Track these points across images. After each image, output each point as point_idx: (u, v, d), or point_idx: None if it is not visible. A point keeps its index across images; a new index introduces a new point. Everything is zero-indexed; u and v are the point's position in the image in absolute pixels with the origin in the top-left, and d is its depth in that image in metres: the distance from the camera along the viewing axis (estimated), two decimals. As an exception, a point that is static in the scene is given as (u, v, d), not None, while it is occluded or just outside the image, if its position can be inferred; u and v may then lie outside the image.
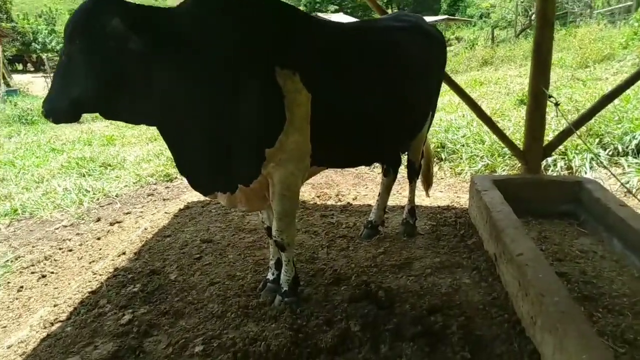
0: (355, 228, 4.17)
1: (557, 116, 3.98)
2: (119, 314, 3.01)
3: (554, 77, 12.30)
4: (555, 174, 5.33)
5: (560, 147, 5.61)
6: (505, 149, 5.63)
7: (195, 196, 5.23)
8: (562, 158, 5.48)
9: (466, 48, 23.33)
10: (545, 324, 2.38)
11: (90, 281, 3.49)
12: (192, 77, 2.37)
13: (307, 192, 5.27)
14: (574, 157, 5.40)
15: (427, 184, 4.17)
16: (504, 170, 5.65)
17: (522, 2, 28.70)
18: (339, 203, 4.89)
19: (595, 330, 2.60)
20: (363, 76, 2.88)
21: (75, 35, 2.23)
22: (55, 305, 3.21)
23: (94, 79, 2.24)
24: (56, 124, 2.33)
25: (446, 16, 39.54)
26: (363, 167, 6.20)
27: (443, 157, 6.51)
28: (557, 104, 3.72)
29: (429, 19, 36.06)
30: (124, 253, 3.91)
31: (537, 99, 4.09)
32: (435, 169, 6.37)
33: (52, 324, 2.97)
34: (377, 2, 4.23)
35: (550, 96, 3.81)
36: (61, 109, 2.25)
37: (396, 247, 3.78)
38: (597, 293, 2.96)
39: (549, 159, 5.41)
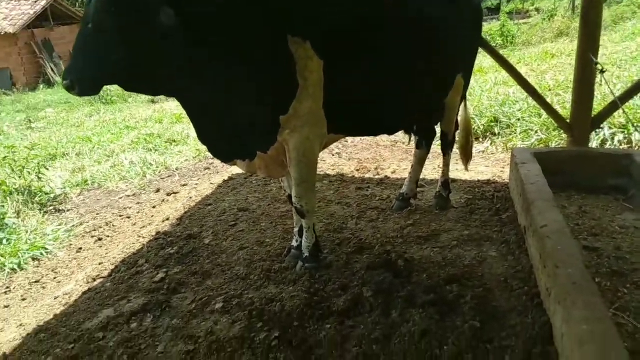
0: (388, 200, 4.18)
1: (601, 85, 3.71)
2: (153, 272, 3.26)
3: (632, 46, 11.38)
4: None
5: (621, 119, 5.25)
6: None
7: (239, 169, 5.46)
8: (622, 131, 5.10)
9: (543, 19, 21.88)
10: (557, 295, 2.31)
11: (134, 243, 3.80)
12: (211, 48, 2.44)
13: (346, 165, 5.32)
14: (635, 130, 5.01)
15: (466, 158, 4.08)
16: (557, 145, 5.36)
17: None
18: (376, 176, 4.89)
19: (617, 305, 2.51)
20: (377, 39, 2.86)
21: (111, 1, 2.16)
22: (99, 263, 3.54)
23: (127, 49, 2.21)
24: (80, 96, 2.36)
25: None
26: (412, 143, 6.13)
27: (496, 131, 6.27)
28: (602, 71, 3.49)
29: (505, -11, 34.13)
30: (167, 219, 4.20)
31: (584, 68, 3.84)
32: (487, 143, 6.17)
33: (94, 279, 3.28)
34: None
35: (597, 63, 3.57)
36: (88, 80, 2.20)
37: (426, 220, 3.76)
38: (629, 269, 2.80)
39: (606, 132, 5.07)
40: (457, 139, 3.99)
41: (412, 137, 3.95)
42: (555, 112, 4.17)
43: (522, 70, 8.82)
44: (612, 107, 3.91)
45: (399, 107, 3.17)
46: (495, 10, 31.88)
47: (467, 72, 3.66)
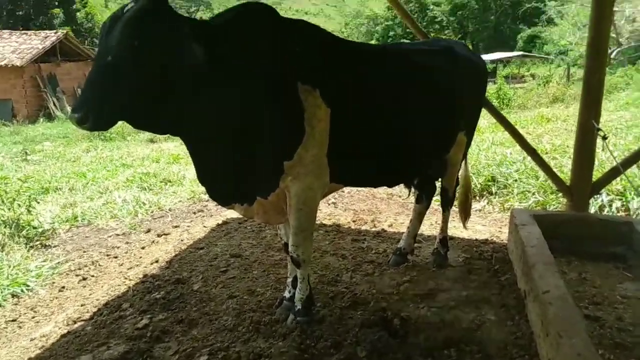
0: (384, 254, 4.09)
1: (602, 150, 3.74)
2: (137, 317, 3.12)
3: (627, 116, 11.64)
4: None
5: (619, 187, 5.26)
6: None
7: (234, 213, 5.38)
8: (620, 199, 5.10)
9: (539, 85, 22.53)
10: (561, 366, 2.20)
11: (119, 285, 3.66)
12: (222, 90, 2.44)
13: (342, 216, 5.26)
14: (632, 198, 5.01)
15: (465, 215, 4.03)
16: (555, 209, 5.33)
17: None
18: (373, 229, 4.82)
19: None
20: (383, 94, 2.90)
21: (135, 36, 2.11)
22: (82, 305, 3.39)
23: (147, 85, 2.17)
24: (92, 130, 2.23)
25: (521, 52, 38.42)
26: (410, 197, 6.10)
27: (493, 190, 6.26)
28: (604, 138, 3.50)
29: (502, 54, 35.32)
30: (156, 261, 4.08)
31: (585, 133, 3.87)
32: (484, 202, 6.14)
33: (75, 322, 3.13)
34: (418, 26, 4.19)
35: (599, 129, 3.60)
36: (103, 114, 2.11)
37: (423, 277, 3.66)
38: (632, 342, 2.70)
39: (604, 199, 5.06)
40: (456, 196, 3.96)
41: (412, 191, 3.91)
42: (555, 174, 4.16)
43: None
44: (613, 173, 3.92)
45: (399, 160, 3.15)
46: (491, 74, 32.90)
47: (470, 130, 3.67)
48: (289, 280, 3.21)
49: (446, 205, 3.87)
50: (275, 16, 2.61)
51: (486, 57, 30.24)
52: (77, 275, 4.51)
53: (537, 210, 4.94)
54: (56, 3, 32.19)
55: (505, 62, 37.53)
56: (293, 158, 2.60)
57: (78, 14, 33.45)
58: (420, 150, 3.24)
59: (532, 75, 33.23)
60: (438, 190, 4.04)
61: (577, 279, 3.51)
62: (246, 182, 2.70)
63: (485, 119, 13.81)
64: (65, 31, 24.01)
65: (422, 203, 3.87)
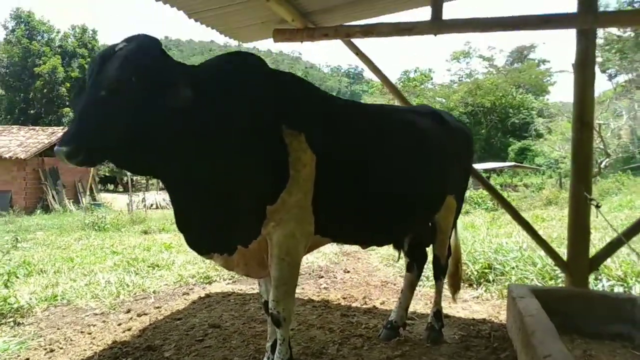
0: (375, 329, 3.82)
1: (597, 217, 3.65)
2: (99, 382, 2.82)
3: (621, 216, 11.64)
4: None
5: (619, 272, 5.09)
6: (558, 272, 5.18)
7: (218, 288, 5.13)
8: (621, 284, 4.90)
9: (533, 191, 22.97)
10: None
11: (85, 350, 3.37)
12: (207, 133, 2.41)
13: (332, 293, 5.01)
14: (634, 283, 4.82)
15: (454, 287, 3.84)
16: (555, 293, 5.11)
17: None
18: (364, 305, 4.56)
19: None
20: (370, 148, 2.89)
21: (133, 71, 2.13)
22: (41, 367, 3.08)
23: (136, 123, 2.15)
24: (80, 165, 2.13)
25: (514, 163, 39.62)
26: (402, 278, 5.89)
27: (490, 278, 6.04)
28: (597, 206, 3.44)
29: (494, 164, 36.35)
30: (129, 329, 3.79)
31: (579, 206, 3.82)
32: (481, 290, 5.90)
33: (31, 384, 2.82)
34: (402, 95, 4.33)
35: (591, 199, 3.55)
36: (94, 149, 2.08)
37: (416, 352, 3.39)
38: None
39: (605, 284, 4.86)
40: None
41: (401, 255, 3.75)
42: (551, 249, 4.04)
43: (514, 230, 8.93)
44: (612, 247, 3.80)
45: (386, 217, 3.05)
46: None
47: (458, 194, 3.63)
48: (269, 344, 2.96)
49: (438, 274, 3.70)
50: (263, 64, 2.68)
51: (479, 166, 31.08)
52: (44, 349, 4.18)
53: (536, 285, 4.73)
54: (67, 103, 33.81)
55: (498, 171, 38.54)
56: (276, 202, 2.53)
57: (88, 114, 35.01)
58: (408, 208, 3.16)
59: (525, 185, 33.97)
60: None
61: (582, 355, 3.25)
62: (227, 230, 2.58)
63: (479, 217, 13.87)
64: (72, 128, 24.88)
65: (413, 272, 3.70)
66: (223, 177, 2.47)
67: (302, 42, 4.33)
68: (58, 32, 38.26)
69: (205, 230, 2.59)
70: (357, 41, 4.66)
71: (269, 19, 4.33)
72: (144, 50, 2.22)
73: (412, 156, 3.10)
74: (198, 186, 2.49)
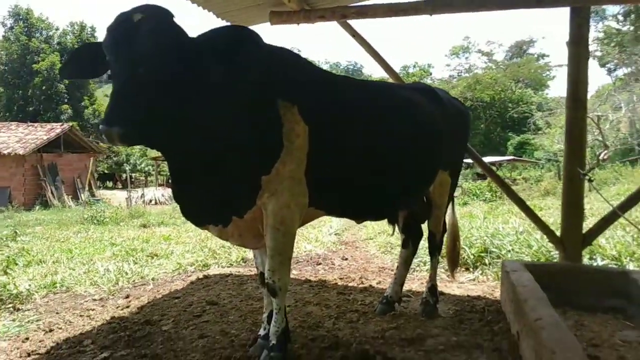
0: (371, 305, 3.86)
1: (590, 190, 3.68)
2: (97, 353, 2.86)
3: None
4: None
5: (614, 252, 5.13)
6: (554, 253, 5.22)
7: (217, 271, 5.17)
8: (616, 263, 4.94)
9: (531, 183, 23.00)
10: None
11: (84, 325, 3.41)
12: (207, 103, 2.44)
13: (329, 274, 5.05)
14: (628, 262, 4.86)
15: (453, 264, 3.88)
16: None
17: (591, 147, 28.58)
18: (360, 285, 4.60)
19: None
20: (361, 124, 2.92)
21: (172, 46, 2.19)
22: (40, 341, 3.13)
23: (172, 97, 2.22)
24: (128, 145, 2.21)
25: (512, 157, 39.60)
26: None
27: (487, 262, 6.08)
28: (590, 180, 3.48)
29: (494, 158, 36.32)
30: (127, 307, 3.83)
31: (572, 182, 3.86)
32: (477, 273, 5.93)
33: (29, 355, 2.87)
34: (399, 77, 4.37)
35: (584, 174, 3.59)
36: (136, 128, 2.07)
37: (410, 325, 3.42)
38: (638, 378, 2.45)
39: (600, 264, 4.90)
40: (444, 243, 3.84)
41: (396, 230, 3.79)
42: (546, 225, 4.08)
43: (512, 218, 8.99)
44: (604, 222, 3.84)
45: (378, 189, 3.09)
46: (484, 176, 33.61)
47: (453, 170, 3.66)
48: (265, 315, 2.99)
49: (433, 251, 3.73)
50: (258, 38, 2.71)
51: (478, 160, 30.94)
52: (44, 331, 4.22)
53: (529, 261, 4.77)
54: (65, 100, 33.79)
55: (498, 165, 38.54)
56: (270, 172, 2.56)
57: (86, 110, 34.99)
58: (400, 182, 3.19)
59: (525, 179, 33.98)
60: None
61: (574, 325, 3.29)
62: (222, 200, 2.62)
63: (477, 208, 13.92)
64: (70, 124, 24.92)
65: (408, 248, 3.74)
66: (221, 147, 2.51)
67: (298, 24, 4.35)
68: (57, 29, 38.24)
69: (202, 201, 2.63)
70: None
71: (265, 1, 4.35)
72: (169, 23, 2.28)
73: (405, 130, 3.12)
74: (197, 156, 2.52)
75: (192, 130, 2.43)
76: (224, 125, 2.50)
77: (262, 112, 2.57)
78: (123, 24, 2.20)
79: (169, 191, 26.13)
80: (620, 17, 32.24)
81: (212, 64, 2.46)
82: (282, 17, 4.31)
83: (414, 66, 58.63)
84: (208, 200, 2.62)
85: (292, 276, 5.19)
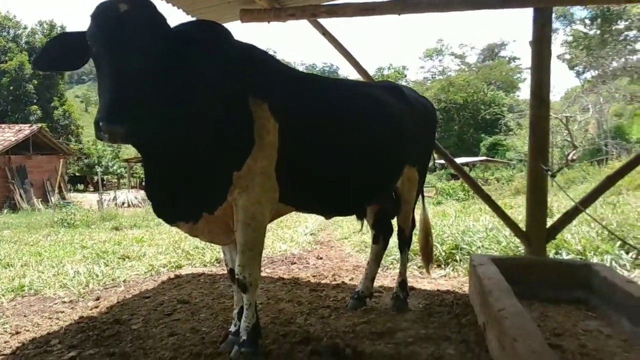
0: (342, 301, 3.90)
1: (551, 185, 3.81)
2: (64, 352, 2.82)
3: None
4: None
5: (579, 247, 5.29)
6: (521, 248, 5.35)
7: (189, 271, 5.13)
8: (580, 258, 5.09)
9: (503, 183, 23.45)
10: (517, 370, 2.04)
11: (51, 326, 3.35)
12: (182, 97, 2.42)
13: (302, 272, 5.08)
14: (592, 256, 5.01)
15: (427, 259, 3.95)
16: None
17: (560, 148, 29.32)
18: (333, 282, 4.64)
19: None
20: (328, 120, 2.96)
21: (163, 39, 2.19)
22: (5, 342, 3.07)
23: (164, 89, 2.23)
24: (122, 143, 2.12)
25: (485, 157, 40.32)
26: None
27: (458, 258, 6.19)
28: (552, 176, 3.59)
29: (467, 159, 36.94)
30: (96, 307, 3.78)
31: (537, 178, 3.97)
32: (449, 269, 6.04)
33: (-7, 356, 2.81)
34: (370, 75, 4.43)
35: (547, 169, 3.70)
36: (145, 126, 2.06)
37: (381, 319, 3.47)
38: (597, 364, 2.54)
39: (565, 257, 5.05)
40: (417, 240, 3.90)
41: (366, 225, 3.84)
42: (511, 220, 4.19)
43: (483, 216, 9.17)
44: (568, 216, 3.96)
45: (345, 185, 3.13)
46: (457, 176, 34.09)
47: (421, 166, 3.72)
48: (235, 311, 3.00)
49: (403, 247, 3.79)
50: (230, 34, 2.71)
51: (452, 160, 31.40)
52: (9, 333, 4.12)
53: (496, 255, 4.88)
54: (34, 100, 33.02)
55: (471, 166, 39.16)
56: (242, 168, 2.57)
57: (55, 111, 34.22)
58: (366, 177, 3.23)
59: (497, 179, 34.60)
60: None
61: (539, 317, 3.38)
62: (193, 197, 2.61)
63: (450, 207, 14.13)
64: (39, 125, 24.33)
65: (379, 243, 3.79)
66: (195, 142, 2.50)
67: (269, 22, 4.37)
68: (25, 28, 37.32)
69: (173, 197, 2.61)
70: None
71: (235, -1, 4.35)
72: (157, 12, 2.23)
73: (372, 127, 3.17)
74: (172, 152, 2.49)
75: (172, 125, 2.41)
76: (198, 120, 2.49)
77: (234, 108, 2.58)
78: (109, 14, 2.10)
79: (142, 193, 25.77)
80: (588, 22, 33.21)
81: (188, 58, 2.44)
82: (253, 14, 4.32)
83: (389, 68, 59.15)
84: (179, 196, 2.60)
85: (265, 274, 5.21)
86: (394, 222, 3.87)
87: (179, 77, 2.36)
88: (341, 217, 11.35)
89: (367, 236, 5.76)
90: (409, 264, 4.38)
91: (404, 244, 3.78)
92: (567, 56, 36.21)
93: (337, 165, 3.00)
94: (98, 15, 2.12)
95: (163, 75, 2.22)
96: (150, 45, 2.12)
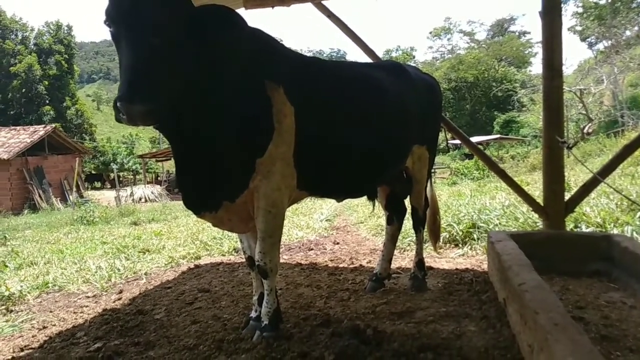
0: (361, 284, 3.91)
1: (568, 157, 3.75)
2: (90, 343, 2.88)
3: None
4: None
5: (598, 219, 5.22)
6: (540, 224, 5.29)
7: (208, 260, 5.19)
8: (600, 230, 5.03)
9: (518, 160, 23.24)
10: (539, 341, 2.03)
11: (76, 319, 3.42)
12: (206, 81, 2.41)
13: (320, 257, 5.10)
14: (612, 229, 4.95)
15: (434, 238, 3.94)
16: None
17: (576, 121, 28.87)
18: (351, 265, 4.66)
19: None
20: (337, 103, 2.94)
21: (184, 13, 2.15)
22: (33, 336, 3.14)
23: (187, 68, 2.20)
24: (147, 125, 2.06)
25: (499, 135, 39.85)
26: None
27: (475, 237, 6.16)
28: (569, 147, 3.53)
29: (480, 138, 36.51)
30: (119, 300, 3.85)
31: (552, 150, 3.92)
32: (467, 248, 6.01)
33: (22, 350, 2.88)
34: (377, 55, 4.39)
35: (563, 141, 3.64)
36: (162, 105, 1.99)
37: (400, 300, 3.48)
38: (620, 335, 2.53)
39: (585, 231, 4.99)
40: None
41: (377, 206, 3.83)
42: (528, 195, 4.14)
43: (499, 194, 9.09)
44: (586, 188, 3.90)
45: (358, 167, 3.12)
46: (471, 155, 33.78)
47: (430, 144, 3.70)
48: (255, 298, 3.02)
49: (418, 226, 3.78)
50: (243, 19, 2.68)
51: (465, 140, 31.07)
52: (37, 329, 4.22)
53: (514, 230, 4.84)
54: (46, 101, 33.36)
55: (485, 145, 38.79)
56: (264, 155, 2.57)
57: (68, 111, 34.55)
58: (378, 157, 3.22)
59: (512, 157, 34.23)
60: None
61: (560, 290, 3.36)
62: (216, 185, 2.60)
63: (465, 187, 14.03)
64: (54, 126, 24.62)
65: (393, 224, 3.79)
66: (221, 128, 2.50)
67: (273, 7, 4.34)
68: (32, 29, 37.60)
69: (199, 187, 2.60)
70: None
71: (239, -14, 4.33)
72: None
73: (379, 108, 3.16)
74: (199, 139, 2.47)
75: (193, 108, 2.39)
76: (219, 104, 2.48)
77: (253, 93, 2.57)
78: None
79: (158, 188, 26.07)
80: (598, -10, 32.46)
81: (207, 42, 2.40)
82: (256, 0, 4.29)
83: (397, 50, 58.59)
84: (204, 185, 2.60)
85: (283, 261, 5.25)
86: (407, 202, 3.87)
87: (198, 58, 2.32)
88: (356, 202, 11.39)
89: (383, 219, 5.75)
90: (425, 245, 4.36)
91: (419, 223, 3.77)
92: (579, 28, 35.49)
93: (349, 147, 2.99)
94: None
95: (182, 55, 2.18)
96: (169, 24, 2.06)
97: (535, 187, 11.56)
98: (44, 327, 4.03)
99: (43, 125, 24.84)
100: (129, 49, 1.99)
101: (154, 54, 1.99)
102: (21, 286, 6.02)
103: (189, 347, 2.74)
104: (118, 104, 1.90)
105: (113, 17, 2.07)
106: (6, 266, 6.26)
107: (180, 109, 2.29)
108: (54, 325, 4.08)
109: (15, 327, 4.29)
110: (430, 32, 53.81)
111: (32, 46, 36.00)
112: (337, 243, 6.80)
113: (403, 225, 4.06)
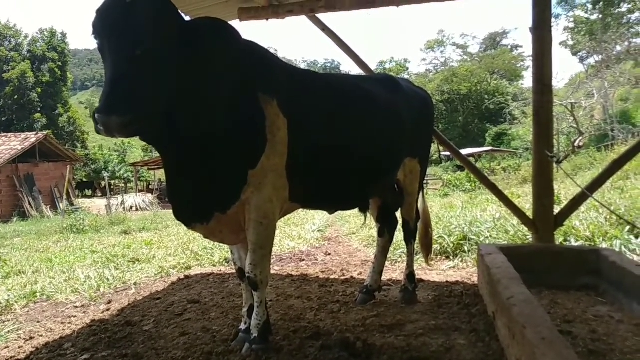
0: (352, 296, 3.91)
1: (557, 171, 3.79)
2: (78, 355, 2.85)
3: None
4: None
5: (587, 233, 5.26)
6: (530, 237, 5.33)
7: (198, 271, 5.16)
8: (589, 244, 5.07)
9: (509, 173, 23.38)
10: (526, 354, 2.04)
11: (64, 330, 3.39)
12: (199, 94, 2.40)
13: (311, 268, 5.09)
14: (601, 242, 4.99)
15: (426, 251, 3.95)
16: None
17: (567, 135, 29.13)
18: (342, 277, 4.65)
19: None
20: (329, 115, 2.96)
21: (170, 25, 2.15)
22: (19, 347, 3.11)
23: (170, 80, 2.18)
24: (123, 137, 2.04)
25: (490, 147, 40.10)
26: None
27: (466, 249, 6.18)
28: (558, 162, 3.57)
29: (472, 150, 36.69)
30: (108, 310, 3.82)
31: (542, 164, 3.95)
32: (457, 260, 6.03)
33: (8, 361, 2.84)
34: (370, 68, 4.43)
35: (552, 156, 3.68)
36: (145, 117, 1.99)
37: (390, 312, 3.48)
38: (607, 349, 2.55)
39: (573, 244, 5.03)
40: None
41: (369, 218, 3.84)
42: (518, 208, 4.17)
43: (490, 206, 9.13)
44: (575, 202, 3.94)
45: (350, 179, 3.13)
46: (463, 167, 33.91)
47: (421, 157, 3.72)
48: (245, 309, 3.01)
49: (409, 238, 3.79)
50: (238, 32, 2.70)
51: (457, 151, 31.24)
52: (24, 339, 4.17)
53: (503, 243, 4.87)
54: (38, 108, 33.21)
55: (477, 157, 38.97)
56: (257, 167, 2.58)
57: (60, 118, 34.39)
58: (369, 169, 3.23)
59: (503, 169, 34.41)
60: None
61: (549, 304, 3.38)
62: (208, 197, 2.59)
63: (457, 199, 14.09)
64: (45, 133, 24.48)
65: (385, 237, 3.80)
66: (213, 140, 2.49)
67: (267, 19, 4.37)
68: (26, 36, 37.51)
69: (191, 198, 2.60)
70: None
71: (232, -3, 4.36)
72: (162, 5, 2.19)
73: (371, 120, 3.18)
74: (189, 150, 2.47)
75: (186, 121, 2.37)
76: (209, 116, 2.46)
77: (246, 105, 2.58)
78: (115, 6, 2.06)
79: (149, 197, 25.90)
80: (589, 6, 32.93)
81: (201, 54, 2.40)
82: (251, 12, 4.32)
83: (391, 61, 58.99)
84: (195, 197, 2.60)
85: (274, 272, 5.23)
86: (398, 214, 3.88)
87: (191, 70, 2.31)
88: (348, 213, 11.39)
89: (374, 231, 5.78)
90: (416, 257, 4.38)
91: (410, 235, 3.79)
92: (570, 42, 35.94)
93: (341, 159, 3.01)
94: (102, 7, 2.10)
95: (167, 68, 2.16)
96: (152, 37, 2.06)
97: (526, 199, 11.63)
98: (31, 338, 3.98)
99: (34, 132, 24.68)
100: (110, 61, 2.01)
101: (134, 66, 1.98)
102: (8, 295, 5.96)
103: (177, 359, 2.71)
104: (96, 116, 1.90)
105: (98, 30, 2.09)
106: (-6, 275, 6.17)
107: (169, 120, 2.28)
108: (41, 335, 4.03)
109: (1, 337, 4.23)
110: (424, 45, 54.29)
111: (26, 53, 35.90)
112: (329, 254, 6.79)
113: (394, 237, 4.08)
